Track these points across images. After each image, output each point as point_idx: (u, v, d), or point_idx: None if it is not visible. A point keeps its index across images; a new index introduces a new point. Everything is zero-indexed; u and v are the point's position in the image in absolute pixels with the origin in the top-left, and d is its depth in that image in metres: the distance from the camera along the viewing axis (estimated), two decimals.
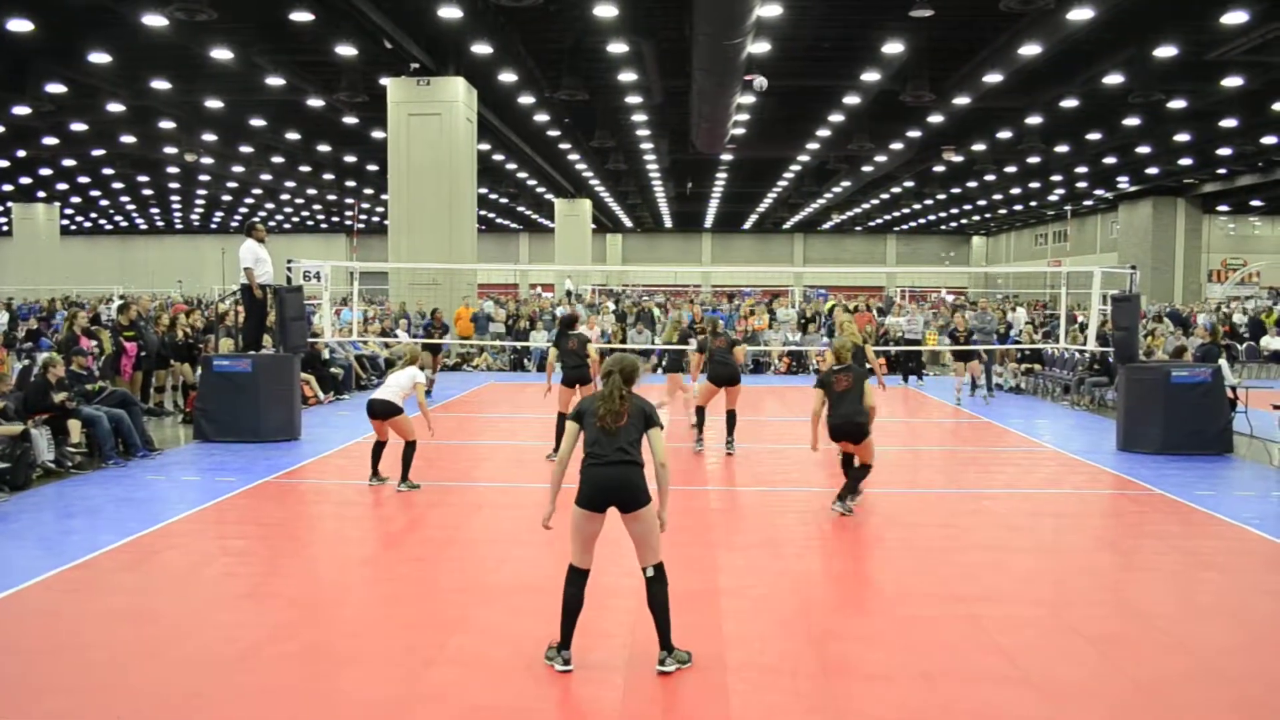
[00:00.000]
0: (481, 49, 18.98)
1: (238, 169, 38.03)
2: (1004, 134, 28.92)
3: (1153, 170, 36.92)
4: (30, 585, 6.11)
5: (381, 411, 8.98)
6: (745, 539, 7.63)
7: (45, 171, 38.69)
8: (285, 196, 48.72)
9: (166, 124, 27.91)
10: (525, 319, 23.48)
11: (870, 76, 21.16)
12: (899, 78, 21.23)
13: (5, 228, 50.26)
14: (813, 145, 31.64)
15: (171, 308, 21.37)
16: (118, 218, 60.81)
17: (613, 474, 4.85)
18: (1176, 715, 4.55)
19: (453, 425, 13.75)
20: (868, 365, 10.46)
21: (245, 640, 5.31)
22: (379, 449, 9.23)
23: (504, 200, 47.10)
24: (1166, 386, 11.18)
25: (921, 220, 59.39)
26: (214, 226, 64.08)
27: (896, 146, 30.29)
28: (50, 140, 30.56)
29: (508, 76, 21.59)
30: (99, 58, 19.98)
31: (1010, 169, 36.76)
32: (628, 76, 21.72)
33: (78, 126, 28.24)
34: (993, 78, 20.44)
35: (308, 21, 16.55)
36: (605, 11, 16.50)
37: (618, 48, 19.26)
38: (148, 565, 6.76)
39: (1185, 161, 34.33)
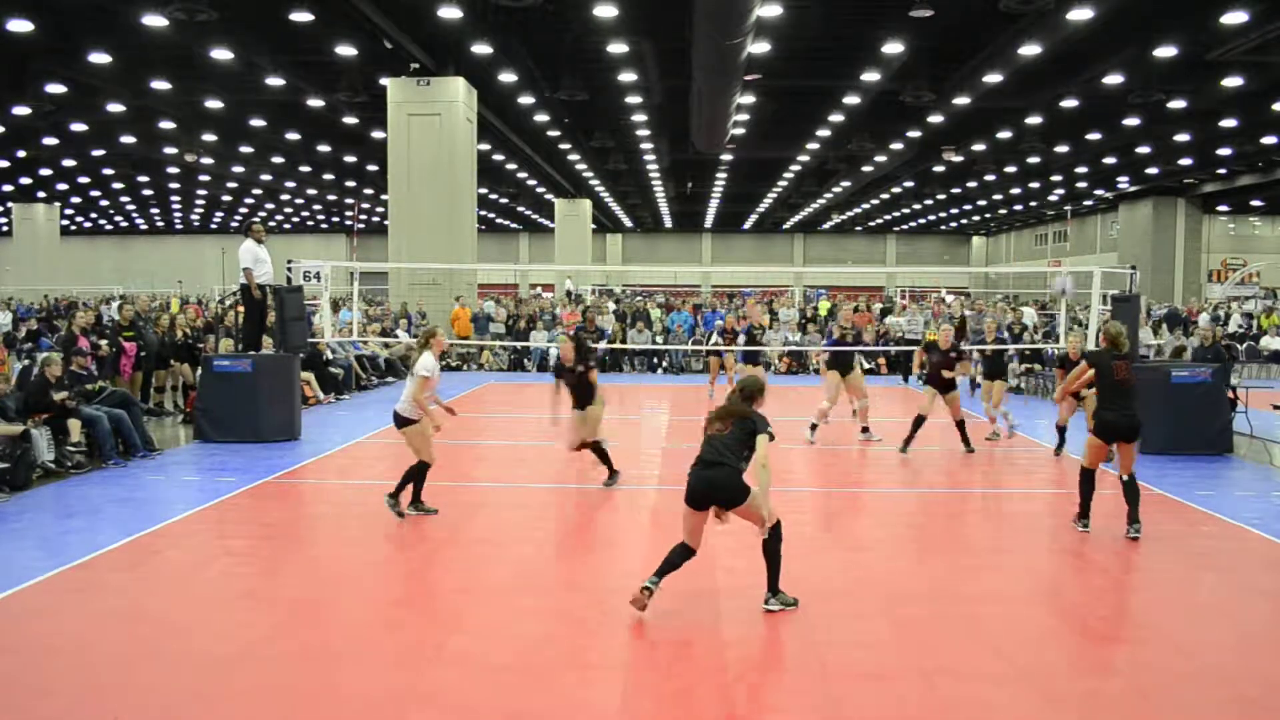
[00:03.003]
0: (481, 49, 18.97)
1: (238, 169, 38.03)
2: (1004, 134, 28.92)
3: (1153, 170, 36.92)
4: (30, 585, 6.11)
5: (397, 424, 7.87)
6: (745, 539, 7.63)
7: (45, 171, 38.69)
8: (285, 196, 48.73)
9: (166, 124, 27.90)
10: (525, 319, 23.48)
11: (870, 76, 21.15)
12: (899, 78, 21.23)
13: (5, 228, 50.27)
14: (813, 145, 31.64)
15: (187, 306, 21.46)
16: (118, 218, 60.82)
17: (706, 476, 5.55)
18: (1175, 715, 4.55)
19: (452, 425, 13.69)
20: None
21: (245, 640, 5.31)
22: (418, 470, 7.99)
23: (504, 200, 47.09)
24: (1167, 386, 11.18)
25: (921, 220, 59.40)
26: (214, 227, 64.07)
27: (896, 146, 30.30)
28: (50, 140, 30.56)
29: (508, 76, 21.58)
30: (99, 58, 19.96)
31: (1010, 169, 36.75)
32: (628, 76, 21.71)
33: (78, 126, 28.24)
34: (993, 78, 20.43)
35: (308, 21, 16.54)
36: (605, 11, 16.50)
37: (618, 48, 19.25)
38: (148, 565, 6.76)
39: (1185, 161, 34.32)
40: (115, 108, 25.15)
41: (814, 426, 11.84)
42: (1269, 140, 29.23)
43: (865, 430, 11.91)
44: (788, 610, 5.65)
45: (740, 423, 5.61)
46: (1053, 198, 46.77)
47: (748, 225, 62.00)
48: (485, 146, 29.58)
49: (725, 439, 5.56)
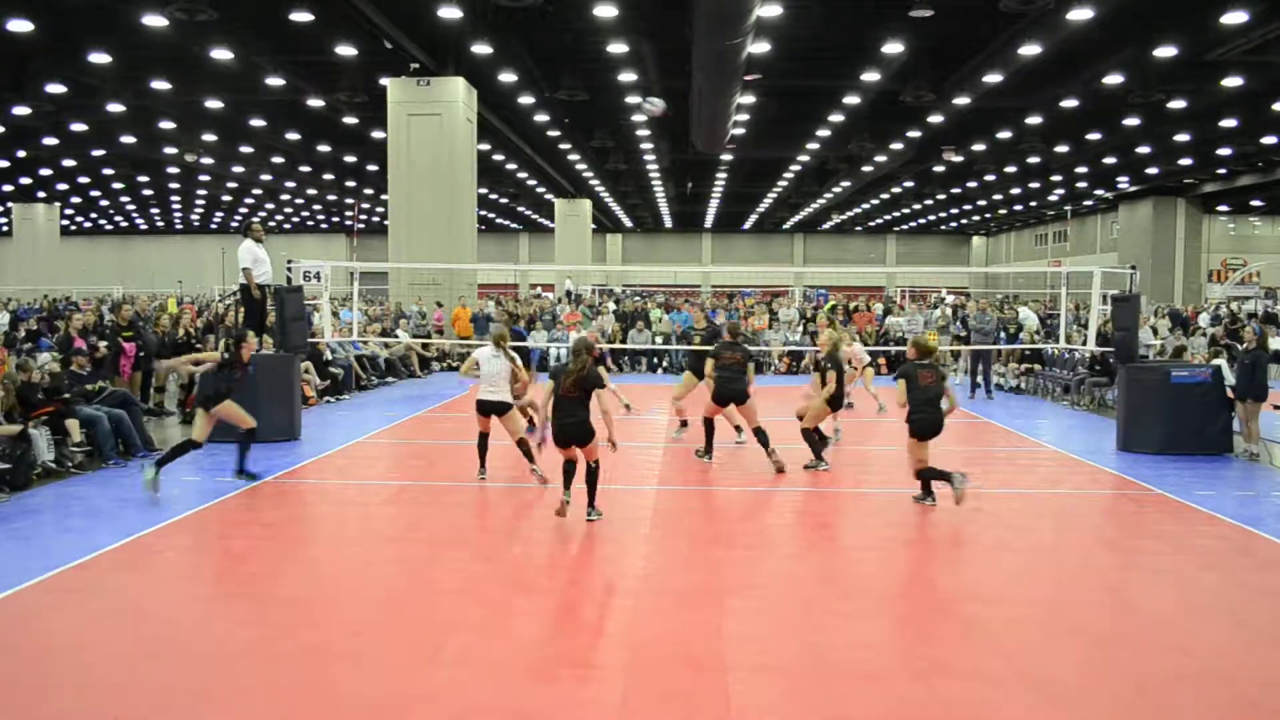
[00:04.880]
0: (481, 49, 18.98)
1: (238, 169, 38.04)
2: (1004, 134, 28.92)
3: (1153, 170, 36.93)
4: (30, 585, 6.11)
5: (495, 409, 9.09)
6: (745, 539, 7.64)
7: (45, 171, 38.69)
8: (285, 196, 48.74)
9: (166, 124, 27.92)
10: (524, 319, 23.47)
11: (870, 76, 21.16)
12: (899, 78, 21.23)
13: (5, 228, 50.27)
14: (813, 145, 31.64)
15: (183, 306, 21.44)
16: (118, 218, 60.82)
17: (565, 424, 7.62)
18: (1175, 715, 4.55)
19: (452, 425, 13.75)
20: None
21: (245, 640, 5.31)
22: (484, 441, 9.41)
23: (504, 200, 47.10)
24: (1167, 386, 11.19)
25: (921, 220, 59.42)
26: (214, 227, 64.10)
27: (896, 146, 30.30)
28: (50, 140, 30.56)
29: (508, 76, 21.58)
30: (99, 58, 19.97)
31: (1010, 169, 36.76)
32: (628, 76, 21.72)
33: (78, 126, 28.24)
34: (993, 78, 20.43)
35: (308, 21, 16.54)
36: (605, 11, 16.51)
37: (618, 48, 19.26)
38: (148, 565, 6.76)
39: (1185, 161, 34.33)
40: (115, 108, 25.15)
41: (683, 424, 11.87)
42: (1269, 140, 29.24)
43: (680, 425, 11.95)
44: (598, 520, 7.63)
45: (582, 385, 7.56)
46: (1053, 198, 46.78)
47: (748, 225, 62.01)
48: (485, 146, 29.59)
49: (574, 400, 7.56)
